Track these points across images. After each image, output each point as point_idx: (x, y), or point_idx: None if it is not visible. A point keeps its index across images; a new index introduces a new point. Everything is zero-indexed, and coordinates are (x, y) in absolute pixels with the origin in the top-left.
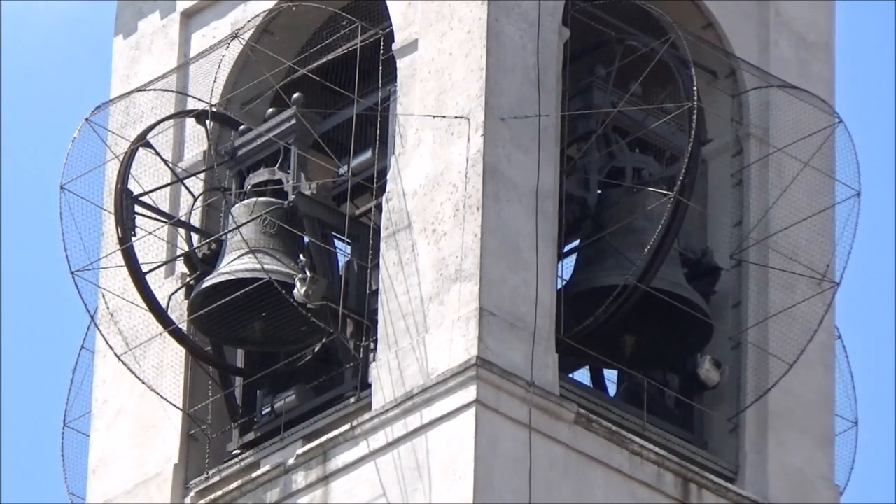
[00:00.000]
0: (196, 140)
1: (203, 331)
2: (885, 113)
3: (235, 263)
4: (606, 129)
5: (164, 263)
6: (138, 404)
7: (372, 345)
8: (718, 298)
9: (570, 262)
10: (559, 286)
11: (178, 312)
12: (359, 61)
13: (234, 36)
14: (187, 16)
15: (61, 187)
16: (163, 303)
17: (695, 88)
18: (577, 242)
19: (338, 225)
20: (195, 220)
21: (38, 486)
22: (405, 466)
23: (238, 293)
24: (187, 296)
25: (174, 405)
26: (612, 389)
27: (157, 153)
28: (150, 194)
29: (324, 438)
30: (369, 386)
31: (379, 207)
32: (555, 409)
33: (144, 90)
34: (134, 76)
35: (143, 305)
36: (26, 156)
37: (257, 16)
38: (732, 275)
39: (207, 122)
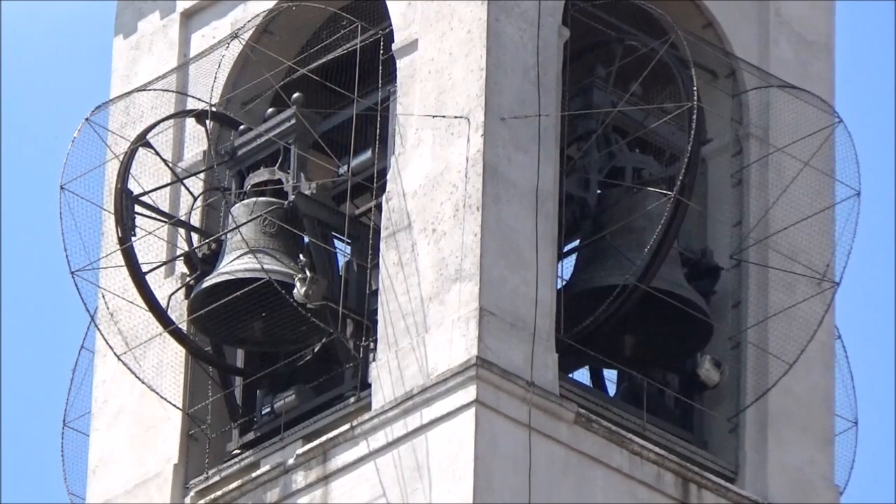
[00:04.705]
0: (196, 140)
1: (203, 331)
2: (885, 113)
3: (235, 263)
4: (606, 129)
5: (164, 263)
6: (138, 404)
7: (372, 345)
8: (718, 298)
9: (570, 262)
10: (559, 286)
11: (178, 312)
12: (359, 61)
13: (234, 36)
14: (187, 16)
15: (61, 187)
16: (163, 303)
17: (695, 88)
18: (577, 242)
19: (338, 225)
20: (195, 220)
21: (38, 486)
22: (405, 466)
23: (238, 293)
24: (187, 296)
25: (174, 405)
26: (611, 389)
27: (157, 153)
28: (150, 194)
29: (324, 438)
30: (369, 386)
31: (379, 207)
32: (555, 409)
33: (144, 90)
34: (134, 76)
35: (143, 305)
36: (26, 156)
37: (257, 16)
38: (732, 275)
39: (207, 122)
